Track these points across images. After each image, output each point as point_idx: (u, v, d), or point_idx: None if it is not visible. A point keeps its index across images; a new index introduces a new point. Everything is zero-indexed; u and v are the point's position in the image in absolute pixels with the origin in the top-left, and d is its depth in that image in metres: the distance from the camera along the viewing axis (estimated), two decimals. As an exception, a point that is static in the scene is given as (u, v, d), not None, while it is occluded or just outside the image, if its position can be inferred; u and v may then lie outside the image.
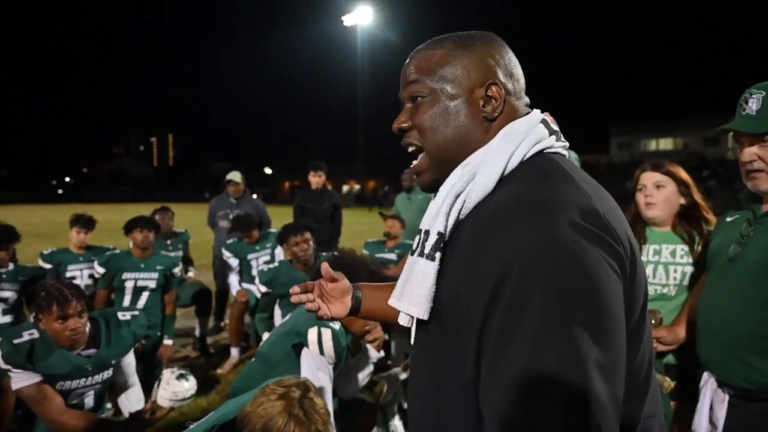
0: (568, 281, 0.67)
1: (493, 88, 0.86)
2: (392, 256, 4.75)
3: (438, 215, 0.82)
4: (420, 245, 0.84)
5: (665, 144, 44.64)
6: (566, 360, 0.65)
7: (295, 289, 1.22)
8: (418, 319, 0.83)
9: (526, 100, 0.92)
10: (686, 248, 2.06)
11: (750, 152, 1.52)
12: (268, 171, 75.30)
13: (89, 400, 2.48)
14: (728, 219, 1.74)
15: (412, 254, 0.86)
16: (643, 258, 2.14)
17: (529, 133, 0.84)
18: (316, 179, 5.53)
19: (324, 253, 4.32)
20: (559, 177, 0.79)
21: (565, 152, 0.89)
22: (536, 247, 0.69)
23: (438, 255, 0.81)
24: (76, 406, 2.38)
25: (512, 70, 0.89)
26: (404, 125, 0.92)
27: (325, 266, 1.20)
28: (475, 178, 0.82)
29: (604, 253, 0.71)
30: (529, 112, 0.90)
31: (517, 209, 0.74)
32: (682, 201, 2.10)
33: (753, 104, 1.51)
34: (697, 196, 2.10)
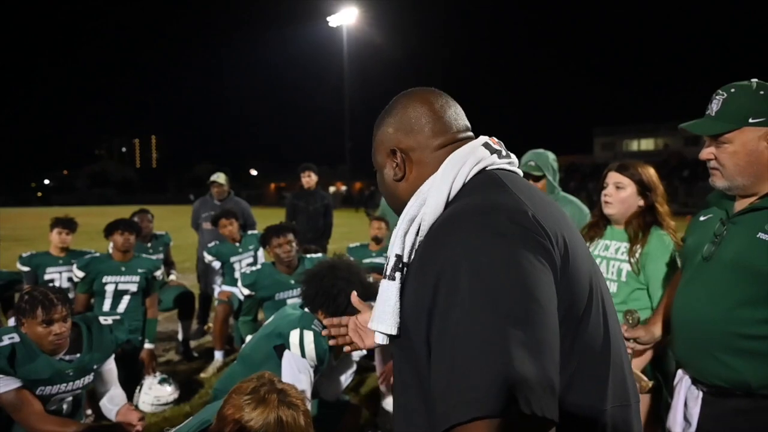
0: (492, 273, 0.75)
1: (396, 155, 1.01)
2: (381, 260, 4.74)
3: (396, 240, 0.93)
4: (385, 269, 0.94)
5: (647, 144, 45.27)
6: (490, 343, 0.70)
7: (332, 322, 1.32)
8: (393, 336, 0.91)
9: (453, 134, 1.00)
10: (628, 246, 2.12)
11: (707, 152, 1.58)
12: (253, 172, 74.77)
13: (67, 406, 2.44)
14: (701, 218, 1.74)
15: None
16: (594, 252, 2.23)
17: (469, 157, 0.95)
18: (306, 179, 5.71)
19: (308, 255, 4.28)
20: (492, 187, 0.90)
21: (511, 167, 0.99)
22: (463, 248, 0.78)
23: (398, 275, 0.91)
24: (54, 411, 2.34)
25: (424, 120, 1.00)
26: None
27: (355, 299, 1.26)
28: (426, 202, 0.92)
29: (530, 246, 0.79)
30: (466, 141, 1.00)
31: (452, 220, 0.85)
32: (641, 203, 2.15)
33: (715, 105, 1.54)
34: (658, 201, 2.15)
